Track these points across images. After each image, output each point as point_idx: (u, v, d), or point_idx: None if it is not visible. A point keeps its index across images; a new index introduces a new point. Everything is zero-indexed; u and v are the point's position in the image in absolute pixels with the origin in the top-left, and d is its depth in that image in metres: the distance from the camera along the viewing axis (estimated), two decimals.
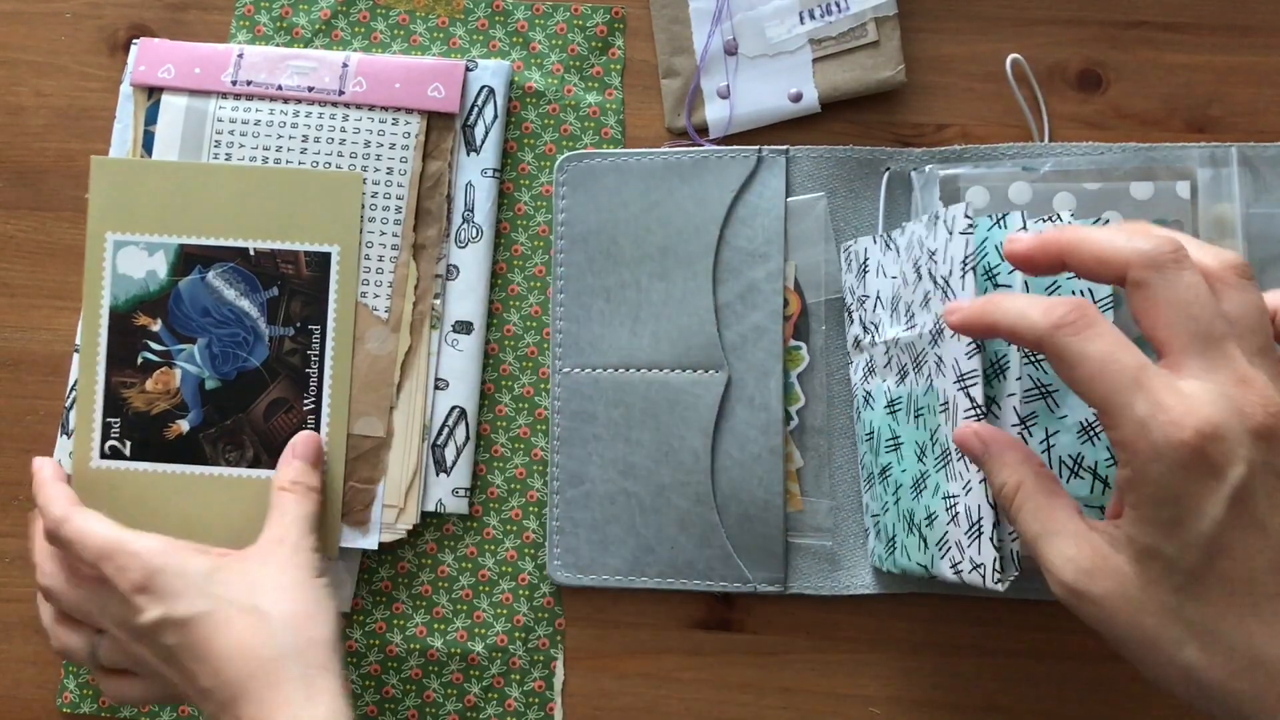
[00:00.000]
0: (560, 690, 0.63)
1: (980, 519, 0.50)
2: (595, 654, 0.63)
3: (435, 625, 0.63)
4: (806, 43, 0.63)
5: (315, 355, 0.62)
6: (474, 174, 0.64)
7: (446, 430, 0.64)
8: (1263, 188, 0.60)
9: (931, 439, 0.53)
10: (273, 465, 0.61)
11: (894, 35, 0.63)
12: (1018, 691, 0.61)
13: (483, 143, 0.65)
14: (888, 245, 0.58)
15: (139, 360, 0.62)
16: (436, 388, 0.64)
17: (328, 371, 0.62)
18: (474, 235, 0.64)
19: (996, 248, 0.51)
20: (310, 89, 0.64)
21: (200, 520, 0.61)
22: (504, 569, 0.63)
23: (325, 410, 0.62)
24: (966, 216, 0.51)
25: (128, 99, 0.65)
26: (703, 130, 0.64)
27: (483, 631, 0.63)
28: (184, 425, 0.62)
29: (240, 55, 0.65)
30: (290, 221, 0.62)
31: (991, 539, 0.49)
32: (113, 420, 0.62)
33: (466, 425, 0.64)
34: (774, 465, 0.60)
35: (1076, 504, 0.44)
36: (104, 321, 0.62)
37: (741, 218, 0.62)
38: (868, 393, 0.59)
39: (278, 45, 0.66)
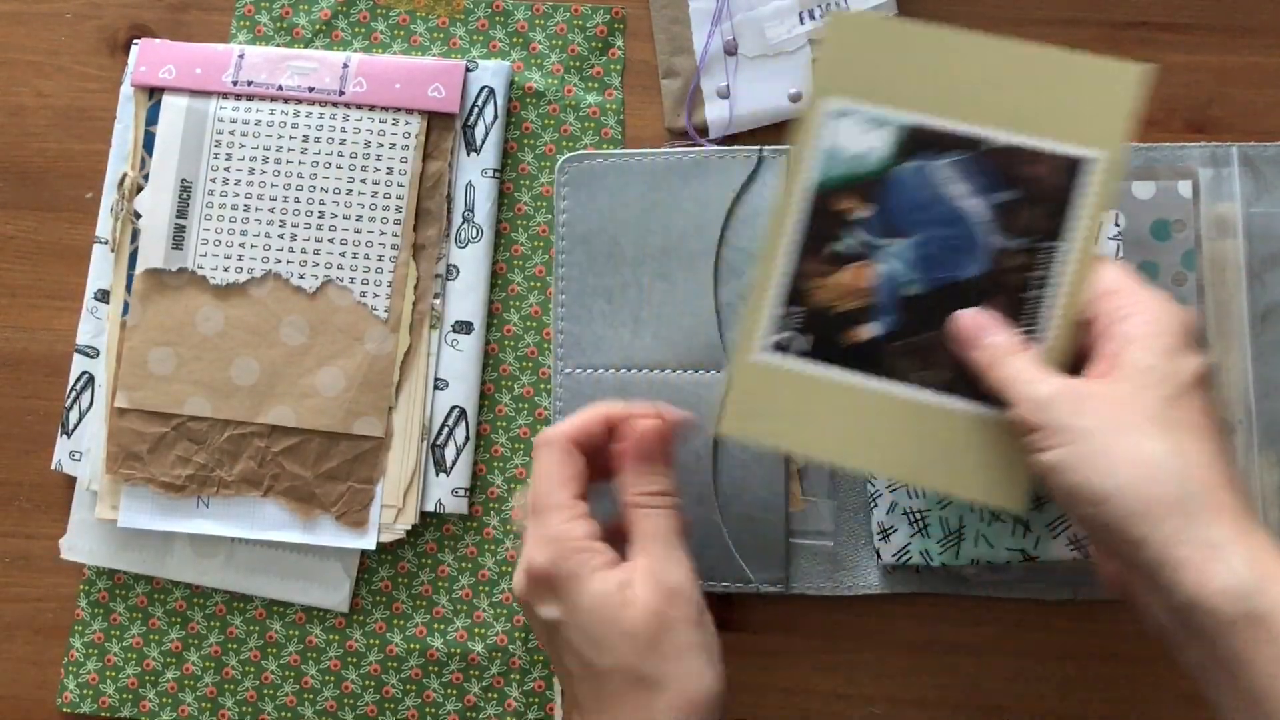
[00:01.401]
0: (560, 691, 0.63)
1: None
2: None
3: (435, 625, 0.63)
4: (806, 43, 0.63)
5: (1039, 279, 0.50)
6: (474, 174, 0.64)
7: (446, 430, 0.64)
8: (1263, 187, 0.60)
9: None
10: (970, 395, 0.50)
11: None
12: (1018, 691, 0.61)
13: (483, 143, 0.65)
14: None
15: (834, 248, 0.52)
16: (436, 388, 0.64)
17: (1052, 303, 0.50)
18: (474, 235, 0.64)
19: None
20: (310, 89, 0.64)
21: (867, 440, 0.51)
22: (504, 569, 0.63)
23: (1042, 347, 0.50)
24: None
25: (128, 99, 0.65)
26: (703, 130, 0.64)
27: (483, 631, 0.63)
28: (870, 330, 0.51)
29: (241, 56, 0.65)
30: (1046, 113, 0.51)
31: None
32: (789, 310, 0.52)
33: (466, 425, 0.64)
34: (775, 465, 0.60)
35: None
36: (804, 197, 0.52)
37: (743, 218, 0.62)
38: None
39: (278, 45, 0.66)
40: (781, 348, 0.52)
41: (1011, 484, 0.49)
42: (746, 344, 0.52)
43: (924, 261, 0.51)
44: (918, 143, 0.51)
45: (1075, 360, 0.49)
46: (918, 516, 0.59)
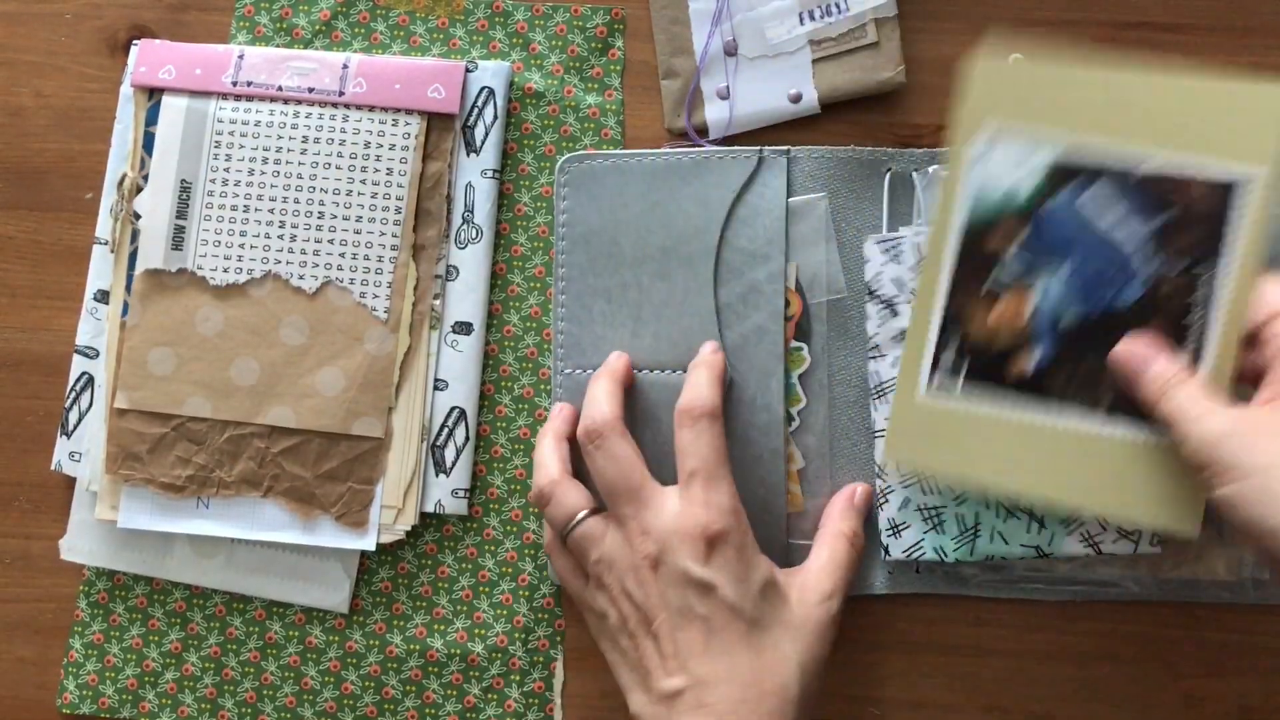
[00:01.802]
0: (560, 691, 0.63)
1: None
2: (595, 654, 0.63)
3: (435, 626, 0.63)
4: (806, 43, 0.63)
5: (1200, 303, 0.50)
6: (474, 175, 0.64)
7: (446, 431, 0.64)
8: None
9: None
10: (1133, 420, 0.51)
11: (894, 36, 0.63)
12: (1018, 691, 0.61)
13: (483, 143, 0.65)
14: None
15: (987, 284, 0.54)
16: (436, 388, 0.64)
17: (1214, 325, 0.50)
18: (474, 236, 0.64)
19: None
20: (310, 90, 0.64)
21: (1034, 469, 0.52)
22: (504, 570, 0.63)
23: (1202, 371, 0.50)
24: None
25: (128, 100, 0.65)
26: (702, 131, 0.64)
27: (482, 632, 0.63)
28: (1031, 362, 0.53)
29: (240, 56, 0.65)
30: (1195, 138, 0.51)
31: None
32: (948, 349, 0.54)
33: (466, 426, 0.64)
34: (775, 466, 0.60)
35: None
36: (957, 236, 0.54)
37: (742, 218, 0.62)
38: None
39: (278, 46, 0.66)
40: (944, 384, 0.55)
41: (1183, 508, 0.50)
42: (908, 383, 0.55)
43: (1079, 291, 0.52)
44: (1067, 174, 0.52)
45: (1245, 379, 0.49)
46: (932, 513, 0.59)
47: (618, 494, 0.55)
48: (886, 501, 0.60)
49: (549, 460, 0.58)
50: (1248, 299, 0.49)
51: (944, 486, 0.58)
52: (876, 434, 0.60)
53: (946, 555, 0.59)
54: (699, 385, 0.56)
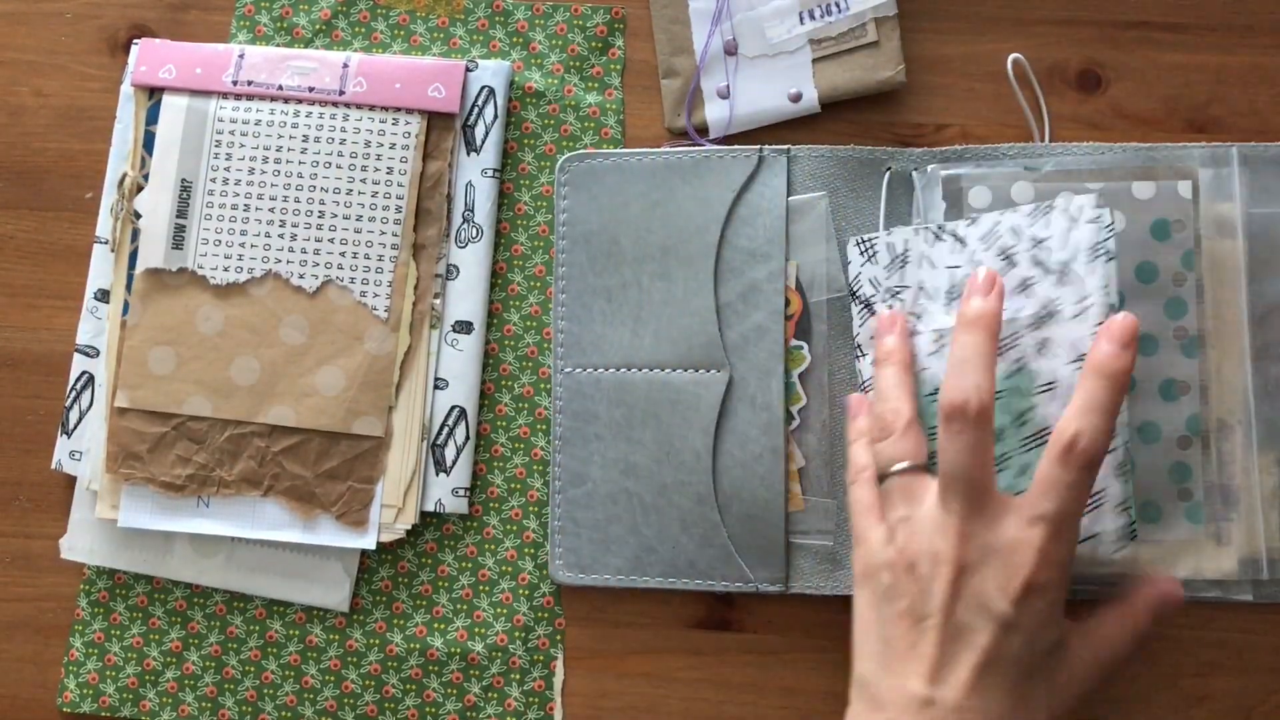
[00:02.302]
0: (560, 690, 0.63)
1: (1104, 489, 0.54)
2: (595, 654, 0.63)
3: (435, 625, 0.63)
4: (806, 43, 0.63)
5: None
6: (474, 174, 0.64)
7: (446, 430, 0.64)
8: (1263, 188, 0.60)
9: (1017, 420, 0.54)
10: None
11: (894, 35, 0.63)
12: None
13: (483, 143, 0.65)
14: (939, 237, 0.58)
15: None
16: (436, 387, 0.64)
17: None
18: (474, 235, 0.64)
19: None
20: (311, 89, 0.64)
21: None
22: (504, 569, 0.63)
23: None
24: (1098, 206, 0.55)
25: (128, 99, 0.65)
26: (703, 130, 0.64)
27: (483, 631, 0.63)
28: None
29: (241, 55, 0.65)
30: None
31: (1122, 506, 0.54)
32: None
33: (466, 425, 0.64)
34: (775, 465, 0.60)
35: None
36: None
37: (743, 217, 0.62)
38: None
39: (278, 45, 0.66)
40: None
41: None
42: None
43: None
44: None
45: None
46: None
47: (958, 483, 0.51)
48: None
49: (897, 393, 0.55)
50: None
51: None
52: None
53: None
54: (1097, 411, 0.51)
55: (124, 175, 0.65)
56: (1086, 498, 0.51)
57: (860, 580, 0.54)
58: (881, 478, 0.54)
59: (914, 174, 0.62)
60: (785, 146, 0.62)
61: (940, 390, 0.52)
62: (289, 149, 0.64)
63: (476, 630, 0.63)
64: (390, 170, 0.64)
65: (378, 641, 0.63)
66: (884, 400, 0.55)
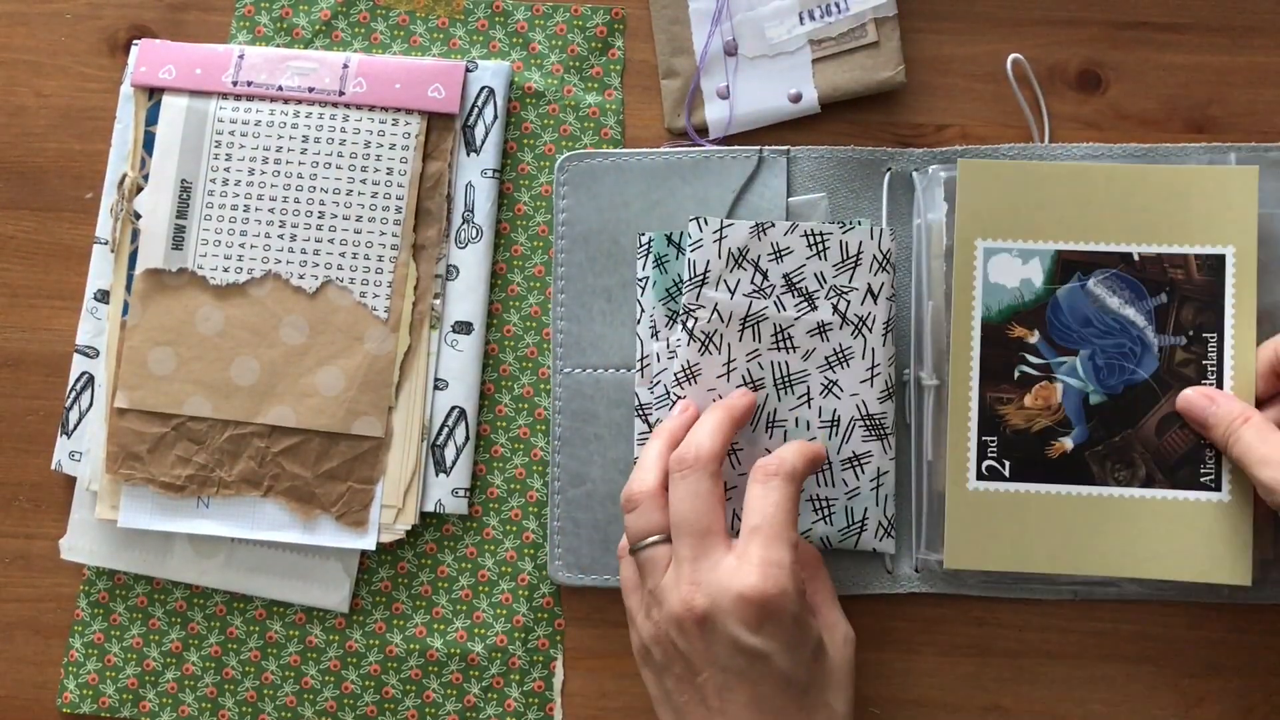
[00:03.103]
0: (560, 690, 0.63)
1: (856, 486, 0.55)
2: (595, 654, 0.63)
3: (435, 625, 0.63)
4: (806, 43, 0.63)
5: (1213, 365, 0.57)
6: (474, 174, 0.64)
7: (446, 430, 0.64)
8: (1262, 188, 0.60)
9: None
10: (1168, 485, 0.57)
11: (894, 36, 0.63)
12: (1018, 691, 0.61)
13: (483, 143, 0.65)
14: (739, 264, 0.59)
15: (1015, 375, 0.58)
16: (436, 388, 0.64)
17: (1228, 383, 0.56)
18: (474, 235, 0.64)
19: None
20: (310, 89, 0.64)
21: (1084, 545, 0.57)
22: (504, 569, 0.63)
23: (1258, 416, 0.55)
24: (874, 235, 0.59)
25: (128, 99, 0.65)
26: (702, 130, 0.64)
27: (482, 632, 0.63)
28: (1067, 443, 0.58)
29: (241, 56, 0.65)
30: (1178, 222, 0.57)
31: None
32: (989, 439, 0.58)
33: (466, 425, 0.64)
34: None
35: None
36: (976, 333, 0.58)
37: (743, 218, 0.62)
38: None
39: (278, 46, 0.66)
40: (988, 475, 0.58)
41: (1234, 559, 0.56)
42: (958, 475, 0.58)
43: (1102, 369, 0.57)
44: (1069, 266, 0.58)
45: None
46: (823, 504, 0.59)
47: (684, 532, 0.52)
48: None
49: (650, 468, 0.55)
50: (1253, 355, 0.56)
51: (839, 479, 0.59)
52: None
53: (831, 545, 0.59)
54: (789, 442, 0.56)
55: (124, 175, 0.65)
56: (788, 504, 0.53)
57: (639, 661, 0.55)
58: (634, 551, 0.55)
59: (914, 174, 0.62)
60: (785, 147, 0.62)
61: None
62: (289, 149, 0.64)
63: (476, 631, 0.63)
64: (390, 170, 0.64)
65: (377, 642, 0.63)
66: (637, 473, 0.55)
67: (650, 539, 0.54)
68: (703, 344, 0.58)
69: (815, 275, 0.58)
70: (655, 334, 0.60)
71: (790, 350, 0.58)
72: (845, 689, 0.54)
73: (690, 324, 0.58)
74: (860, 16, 0.63)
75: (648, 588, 0.54)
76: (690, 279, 0.59)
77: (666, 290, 0.60)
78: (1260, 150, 0.60)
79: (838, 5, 0.63)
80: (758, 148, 0.62)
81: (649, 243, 0.61)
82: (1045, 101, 0.63)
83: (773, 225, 0.59)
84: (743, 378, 0.58)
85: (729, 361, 0.58)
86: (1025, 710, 0.61)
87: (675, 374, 0.59)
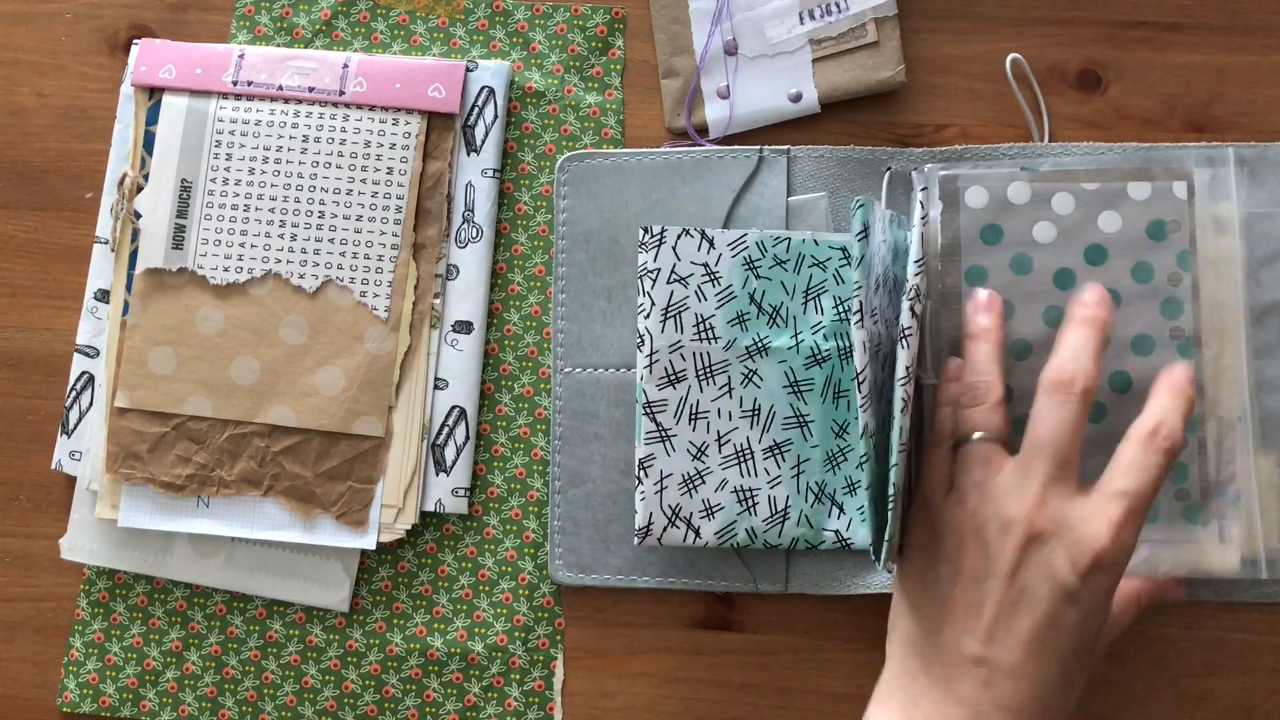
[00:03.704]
0: (560, 690, 0.63)
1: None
2: (595, 654, 0.63)
3: (435, 625, 0.63)
4: (806, 43, 0.63)
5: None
6: (474, 174, 0.64)
7: (446, 430, 0.64)
8: (1262, 188, 0.60)
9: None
10: None
11: (894, 35, 0.63)
12: None
13: (483, 143, 0.65)
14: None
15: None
16: (436, 387, 0.64)
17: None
18: (474, 235, 0.64)
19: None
20: (311, 89, 0.64)
21: None
22: (504, 569, 0.63)
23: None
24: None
25: (128, 99, 0.65)
26: (703, 130, 0.64)
27: (483, 631, 0.63)
28: None
29: (241, 56, 0.65)
30: None
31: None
32: None
33: (466, 425, 0.64)
34: None
35: None
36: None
37: (743, 217, 0.62)
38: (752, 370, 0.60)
39: (278, 46, 0.66)
40: None
41: None
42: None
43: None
44: None
45: None
46: (747, 494, 0.59)
47: (1045, 454, 0.51)
48: (703, 483, 0.59)
49: (991, 368, 0.54)
50: None
51: (762, 469, 0.59)
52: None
53: (756, 538, 0.59)
54: (1177, 396, 0.53)
55: (124, 175, 0.65)
56: (1161, 484, 0.51)
57: (919, 544, 0.54)
58: (959, 443, 0.54)
59: (914, 174, 0.62)
60: (785, 147, 0.62)
61: (1045, 369, 0.53)
62: (289, 149, 0.64)
63: (476, 630, 0.63)
64: (390, 170, 0.64)
65: (378, 642, 0.63)
66: (977, 373, 0.55)
67: (987, 434, 0.53)
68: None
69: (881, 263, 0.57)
70: (860, 317, 0.54)
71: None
72: (1089, 675, 0.53)
73: (919, 310, 0.54)
74: (860, 16, 0.63)
75: (972, 479, 0.53)
76: (917, 259, 0.54)
77: (895, 258, 0.57)
78: (1260, 150, 0.60)
79: (838, 5, 0.63)
80: (758, 148, 0.62)
81: (663, 235, 0.60)
82: (1045, 101, 0.63)
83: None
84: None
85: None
86: None
87: (904, 368, 0.54)
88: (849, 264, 0.60)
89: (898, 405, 0.52)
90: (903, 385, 0.52)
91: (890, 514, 0.52)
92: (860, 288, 0.53)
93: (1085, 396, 0.52)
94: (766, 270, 0.60)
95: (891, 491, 0.51)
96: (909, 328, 0.52)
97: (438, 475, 0.63)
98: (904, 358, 0.52)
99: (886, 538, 0.52)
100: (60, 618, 0.65)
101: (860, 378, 0.53)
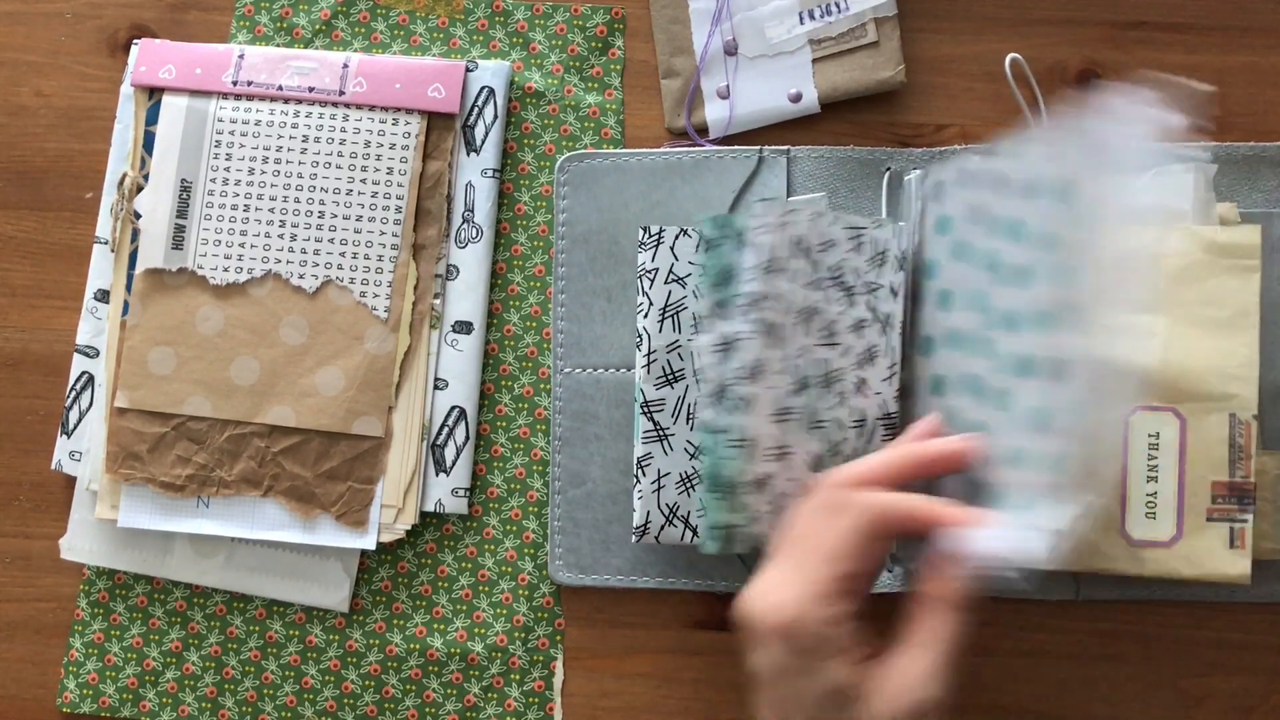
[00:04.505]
0: (560, 690, 0.63)
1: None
2: (595, 654, 0.63)
3: (435, 625, 0.63)
4: (806, 43, 0.63)
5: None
6: (474, 174, 0.64)
7: (446, 430, 0.64)
8: (1262, 187, 0.60)
9: (831, 450, 0.56)
10: None
11: (894, 35, 0.63)
12: (1018, 691, 0.61)
13: (483, 143, 0.65)
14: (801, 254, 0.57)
15: None
16: (436, 388, 0.64)
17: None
18: (474, 235, 0.64)
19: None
20: (311, 89, 0.64)
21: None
22: (504, 569, 0.63)
23: None
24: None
25: (128, 99, 0.65)
26: (702, 130, 0.64)
27: (482, 631, 0.63)
28: None
29: (241, 56, 0.65)
30: None
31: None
32: None
33: (466, 425, 0.64)
34: None
35: None
36: None
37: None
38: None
39: (278, 46, 0.66)
40: None
41: None
42: None
43: None
44: None
45: None
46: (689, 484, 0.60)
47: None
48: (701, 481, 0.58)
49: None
50: None
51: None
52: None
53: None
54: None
55: (124, 175, 0.65)
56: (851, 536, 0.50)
57: None
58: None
59: (912, 174, 0.62)
60: (785, 147, 0.62)
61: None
62: (289, 149, 0.64)
63: (476, 631, 0.63)
64: (390, 170, 0.64)
65: (377, 642, 0.63)
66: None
67: None
68: (768, 336, 0.54)
69: (853, 270, 0.57)
70: (694, 327, 0.59)
71: (833, 346, 0.56)
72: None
73: (756, 315, 0.53)
74: (860, 16, 0.63)
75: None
76: (754, 265, 0.54)
77: (718, 275, 0.55)
78: (1260, 150, 0.60)
79: (838, 5, 0.63)
80: (758, 148, 0.62)
81: (661, 234, 0.60)
82: (1045, 101, 0.63)
83: (822, 214, 0.56)
84: (793, 373, 0.55)
85: (785, 357, 0.55)
86: (1025, 710, 0.61)
87: (737, 369, 0.54)
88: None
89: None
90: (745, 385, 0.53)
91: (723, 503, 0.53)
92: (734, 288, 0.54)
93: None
94: None
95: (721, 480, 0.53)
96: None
97: (437, 475, 0.63)
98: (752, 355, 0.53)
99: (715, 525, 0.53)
100: (60, 618, 0.65)
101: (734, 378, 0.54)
